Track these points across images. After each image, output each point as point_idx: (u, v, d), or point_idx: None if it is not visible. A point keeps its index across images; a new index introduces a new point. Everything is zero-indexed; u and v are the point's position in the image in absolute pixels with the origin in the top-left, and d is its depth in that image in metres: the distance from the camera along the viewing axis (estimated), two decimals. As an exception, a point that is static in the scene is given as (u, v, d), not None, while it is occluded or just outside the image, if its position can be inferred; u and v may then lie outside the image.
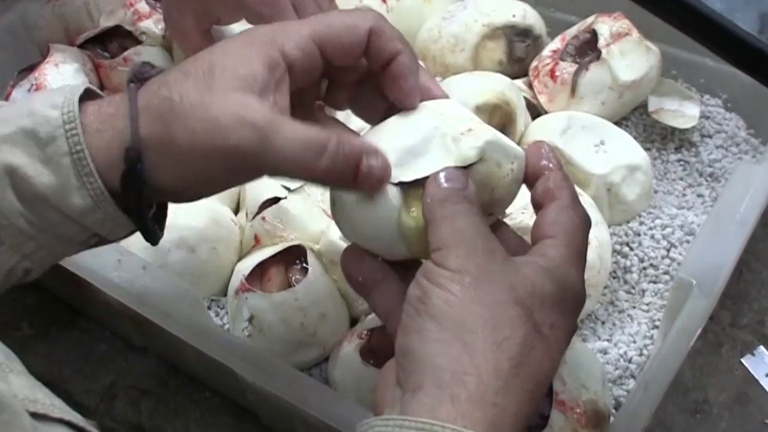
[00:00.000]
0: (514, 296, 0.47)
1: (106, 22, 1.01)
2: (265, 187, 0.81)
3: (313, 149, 0.51)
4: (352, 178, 0.52)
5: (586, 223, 0.53)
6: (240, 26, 0.84)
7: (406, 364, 0.47)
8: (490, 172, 0.54)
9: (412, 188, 0.53)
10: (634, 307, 0.80)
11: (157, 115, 0.52)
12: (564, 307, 0.49)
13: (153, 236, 0.59)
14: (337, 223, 0.58)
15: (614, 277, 0.81)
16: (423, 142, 0.54)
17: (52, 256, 0.58)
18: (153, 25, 0.97)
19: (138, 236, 0.78)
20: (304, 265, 0.76)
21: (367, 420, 0.46)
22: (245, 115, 0.50)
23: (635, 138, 0.88)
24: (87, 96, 0.55)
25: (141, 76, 0.55)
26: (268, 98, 0.52)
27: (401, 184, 0.53)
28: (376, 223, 0.54)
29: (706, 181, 0.90)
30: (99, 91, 0.58)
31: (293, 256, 0.77)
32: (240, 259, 0.82)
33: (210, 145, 0.50)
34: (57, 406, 0.48)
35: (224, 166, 0.52)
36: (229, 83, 0.51)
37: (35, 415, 0.46)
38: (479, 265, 0.48)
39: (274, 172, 0.52)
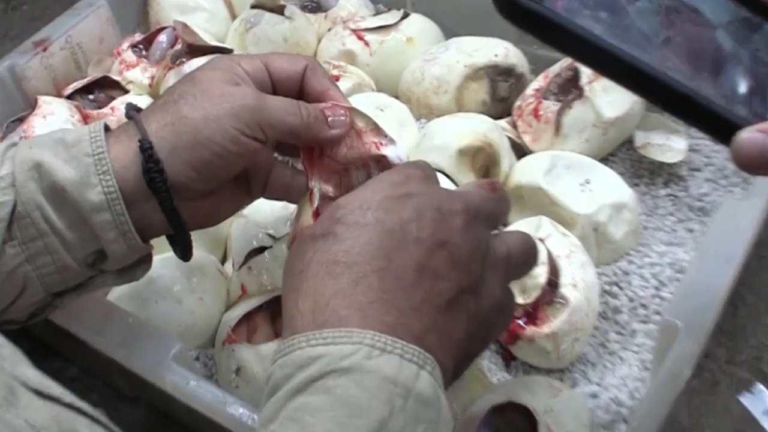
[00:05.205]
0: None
1: (93, 72, 1.03)
2: (250, 236, 0.82)
3: (293, 105, 0.63)
4: (326, 123, 0.64)
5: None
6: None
7: None
8: None
9: None
10: (625, 349, 0.78)
11: (164, 112, 0.61)
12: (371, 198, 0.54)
13: (184, 234, 0.65)
14: None
15: (604, 318, 0.80)
16: None
17: (51, 269, 0.62)
18: (140, 74, 0.98)
19: (126, 289, 0.79)
20: (290, 314, 0.76)
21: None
22: (244, 88, 0.62)
23: (623, 174, 0.88)
24: None
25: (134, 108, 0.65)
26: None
27: None
28: None
29: (696, 215, 0.88)
30: None
31: (279, 306, 0.77)
32: (227, 309, 0.81)
33: (220, 110, 0.60)
34: (47, 386, 0.48)
35: (234, 129, 0.60)
36: (219, 80, 0.62)
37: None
38: None
39: (273, 127, 0.62)
